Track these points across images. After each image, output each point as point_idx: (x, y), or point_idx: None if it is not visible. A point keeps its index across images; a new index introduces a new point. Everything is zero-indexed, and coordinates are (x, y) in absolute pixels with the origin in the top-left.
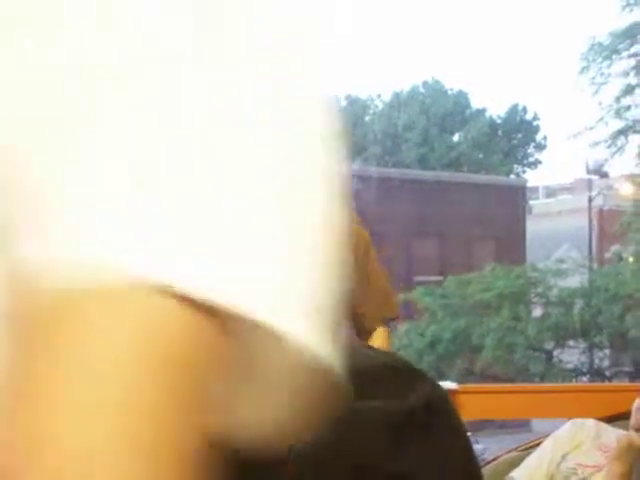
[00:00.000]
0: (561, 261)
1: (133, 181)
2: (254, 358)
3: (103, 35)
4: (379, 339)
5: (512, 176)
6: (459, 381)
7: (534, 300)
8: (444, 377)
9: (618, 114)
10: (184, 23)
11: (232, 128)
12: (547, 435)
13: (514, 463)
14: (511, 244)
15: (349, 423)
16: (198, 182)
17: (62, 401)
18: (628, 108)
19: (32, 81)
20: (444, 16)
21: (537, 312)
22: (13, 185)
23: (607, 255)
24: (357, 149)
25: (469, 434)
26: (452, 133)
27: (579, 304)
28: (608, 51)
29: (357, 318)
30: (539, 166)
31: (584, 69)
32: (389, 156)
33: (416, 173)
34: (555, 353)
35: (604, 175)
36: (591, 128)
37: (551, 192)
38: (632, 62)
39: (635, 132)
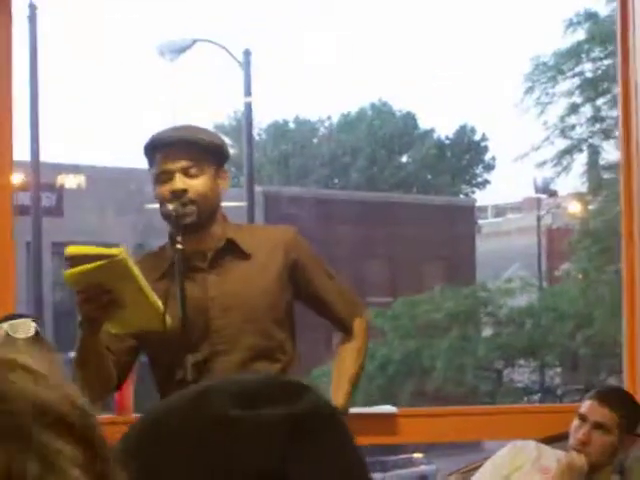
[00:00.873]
0: (510, 280)
1: None
2: None
3: None
4: (361, 329)
5: (461, 196)
6: (410, 403)
7: (484, 320)
8: (395, 399)
9: (563, 133)
10: None
11: None
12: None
13: None
14: (461, 264)
15: (232, 434)
16: None
17: None
18: (573, 127)
19: None
20: (391, 38)
21: (487, 332)
22: None
23: (557, 274)
24: (305, 172)
25: (420, 455)
26: (400, 154)
27: (529, 323)
28: (553, 71)
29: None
30: (488, 186)
31: (529, 89)
32: (337, 178)
33: (364, 195)
34: (505, 372)
35: (553, 194)
36: (537, 148)
37: (500, 211)
38: (576, 81)
39: (580, 151)
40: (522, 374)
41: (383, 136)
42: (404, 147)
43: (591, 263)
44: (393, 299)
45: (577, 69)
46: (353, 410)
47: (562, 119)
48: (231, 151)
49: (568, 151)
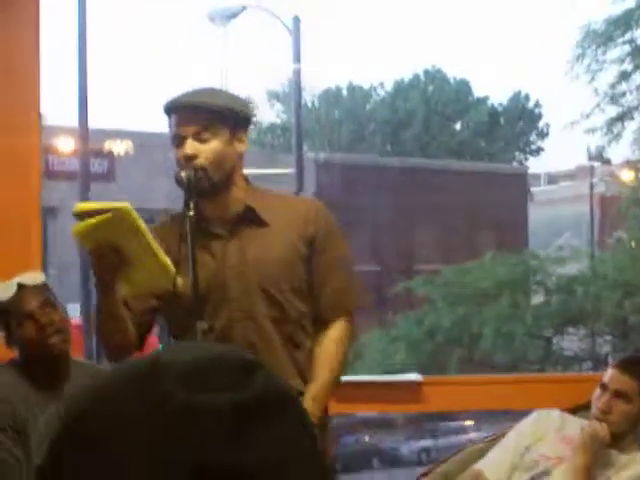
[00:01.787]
0: (561, 248)
1: None
2: None
3: None
4: (335, 331)
5: (514, 164)
6: (458, 370)
7: (534, 288)
8: (443, 366)
9: (613, 101)
10: None
11: None
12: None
13: (480, 454)
14: (513, 232)
15: (181, 418)
16: None
17: None
18: (623, 95)
19: None
20: (446, 4)
21: (537, 299)
22: None
23: (609, 241)
24: (359, 138)
25: (471, 422)
26: (454, 121)
27: (579, 291)
28: (603, 38)
29: (315, 306)
30: (541, 153)
31: (579, 56)
32: (390, 145)
33: (418, 162)
34: (555, 340)
35: (606, 161)
36: (588, 115)
37: (553, 179)
38: (627, 48)
39: (631, 119)
40: (572, 342)
41: (437, 103)
42: (458, 114)
43: None
44: (444, 266)
45: (627, 36)
46: (379, 378)
47: (612, 86)
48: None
49: (619, 119)
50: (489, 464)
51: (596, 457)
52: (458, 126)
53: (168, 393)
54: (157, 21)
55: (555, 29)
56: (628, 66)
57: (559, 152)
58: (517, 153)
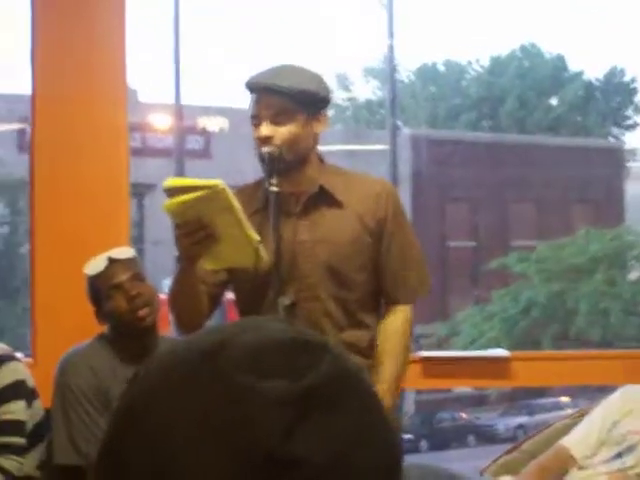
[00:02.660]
0: None
1: None
2: None
3: None
4: (398, 321)
5: (610, 139)
6: (553, 346)
7: (630, 263)
8: (538, 342)
9: None
10: None
11: None
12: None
13: (566, 430)
14: (609, 207)
15: (238, 405)
16: None
17: None
18: None
19: None
20: None
21: (633, 275)
22: None
23: None
24: (455, 114)
25: (567, 398)
26: (550, 96)
27: None
28: None
29: (382, 289)
30: (638, 128)
31: None
32: (486, 121)
33: (513, 137)
34: None
35: None
36: None
37: None
38: None
39: None
40: None
41: (533, 78)
42: (554, 89)
43: None
44: (540, 242)
45: None
46: (466, 354)
47: None
48: (379, 94)
49: None
50: (575, 440)
51: None
52: (554, 101)
53: (230, 378)
54: None
55: None
56: None
57: None
58: (613, 128)
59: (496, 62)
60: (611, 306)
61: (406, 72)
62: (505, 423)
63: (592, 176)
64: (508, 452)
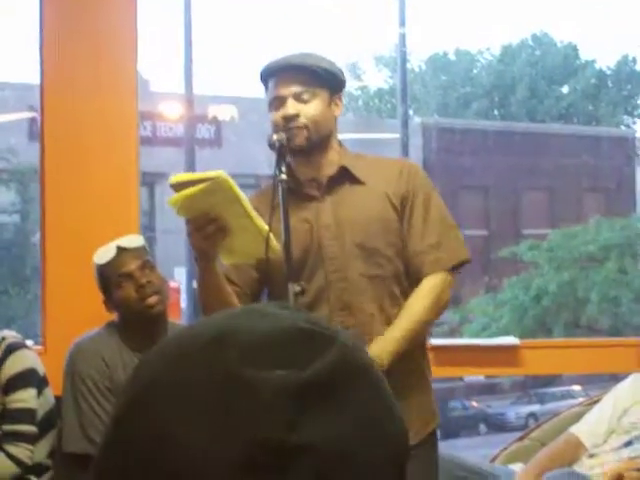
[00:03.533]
0: None
1: None
2: None
3: None
4: (428, 283)
5: (622, 127)
6: (564, 334)
7: None
8: (549, 331)
9: None
10: None
11: None
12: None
13: (576, 418)
14: (620, 196)
15: (241, 396)
16: None
17: None
18: None
19: None
20: None
21: None
22: None
23: None
24: (465, 102)
25: (578, 387)
26: (561, 85)
27: None
28: None
29: (412, 263)
30: None
31: None
32: (497, 109)
33: (524, 126)
34: None
35: None
36: None
37: None
38: None
39: None
40: None
41: (544, 67)
42: (565, 78)
43: None
44: (552, 230)
45: None
46: (477, 342)
47: None
48: (390, 83)
49: None
50: (585, 428)
51: None
52: (565, 90)
53: (234, 369)
54: None
55: None
56: None
57: None
58: (624, 117)
59: (507, 51)
60: (622, 294)
61: (417, 61)
62: (516, 411)
63: (603, 165)
64: (518, 440)
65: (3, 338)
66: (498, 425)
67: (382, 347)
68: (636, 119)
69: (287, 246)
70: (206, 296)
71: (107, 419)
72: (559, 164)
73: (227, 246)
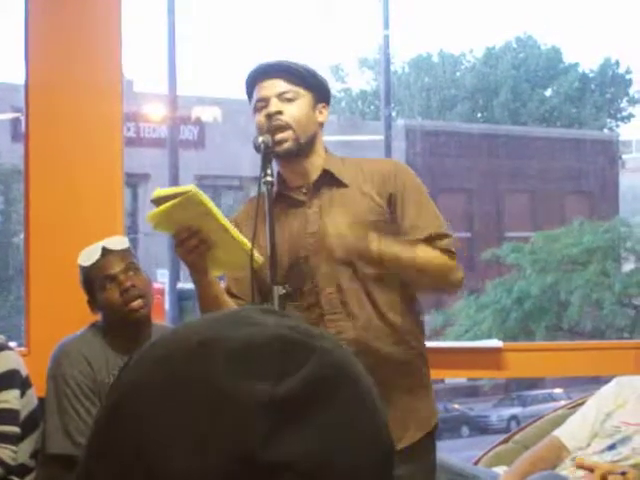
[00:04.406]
0: None
1: None
2: None
3: None
4: (440, 253)
5: (605, 130)
6: (546, 337)
7: (624, 255)
8: (531, 334)
9: None
10: None
11: None
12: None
13: (559, 421)
14: (603, 199)
15: (219, 410)
16: None
17: None
18: None
19: None
20: None
21: (627, 267)
22: None
23: None
24: (449, 105)
25: (560, 390)
26: (544, 88)
27: None
28: None
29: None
30: (632, 120)
31: None
32: (480, 112)
33: (508, 128)
34: None
35: None
36: None
37: None
38: None
39: None
40: None
41: (527, 70)
42: (548, 81)
43: None
44: (534, 233)
45: None
46: (460, 344)
47: None
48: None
49: None
50: (568, 431)
51: None
52: (548, 93)
53: (213, 380)
54: None
55: None
56: None
57: None
58: (608, 120)
59: (491, 53)
60: (604, 297)
61: (400, 63)
62: (498, 414)
63: (587, 168)
64: (502, 443)
65: None
66: (480, 427)
67: (380, 238)
68: (619, 122)
69: (272, 248)
70: (206, 310)
71: (90, 421)
72: (542, 167)
73: (213, 258)
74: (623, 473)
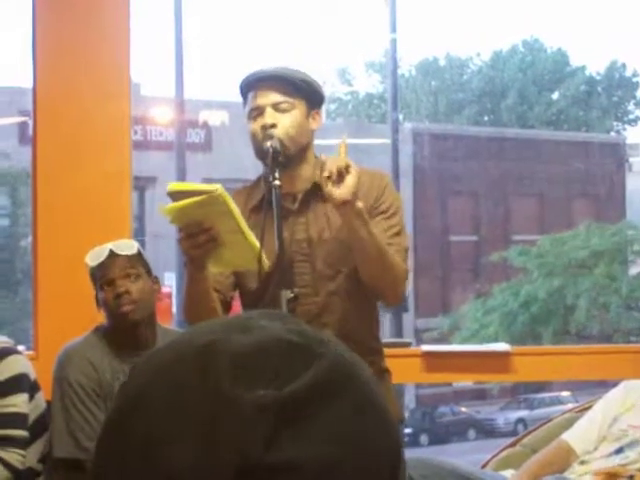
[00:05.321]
0: None
1: None
2: None
3: None
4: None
5: (612, 133)
6: (553, 341)
7: (631, 258)
8: (539, 337)
9: None
10: None
11: None
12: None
13: (567, 425)
14: (610, 202)
15: (228, 412)
16: None
17: None
18: None
19: None
20: None
21: (634, 270)
22: None
23: None
24: (455, 108)
25: (567, 393)
26: (551, 91)
27: None
28: None
29: None
30: (639, 123)
31: None
32: (487, 115)
33: (515, 132)
34: None
35: None
36: None
37: None
38: None
39: None
40: None
41: (534, 73)
42: (555, 84)
43: None
44: (542, 236)
45: None
46: (468, 348)
47: None
48: (380, 88)
49: None
50: (575, 435)
51: None
52: (555, 96)
53: (216, 386)
54: None
55: None
56: None
57: None
58: (615, 123)
59: (498, 56)
60: (610, 300)
61: (407, 66)
62: (505, 417)
63: (594, 171)
64: (509, 446)
65: None
66: (487, 431)
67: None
68: (626, 125)
69: (281, 253)
70: (191, 302)
71: (96, 424)
72: (549, 170)
73: (216, 255)
74: (631, 477)
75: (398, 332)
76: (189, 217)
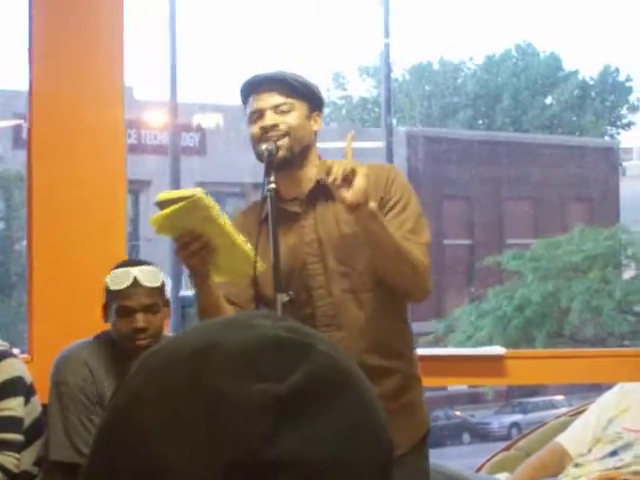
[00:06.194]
0: None
1: None
2: None
3: None
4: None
5: (606, 137)
6: (547, 344)
7: (624, 262)
8: (532, 340)
9: None
10: None
11: None
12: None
13: (561, 429)
14: (604, 206)
15: (223, 410)
16: None
17: None
18: None
19: None
20: None
21: (627, 274)
22: None
23: None
24: (449, 112)
25: (561, 397)
26: (545, 95)
27: None
28: None
29: None
30: (633, 127)
31: None
32: (481, 119)
33: (508, 136)
34: None
35: None
36: None
37: None
38: None
39: None
40: None
41: (528, 77)
42: (548, 88)
43: None
44: (536, 240)
45: None
46: (462, 351)
47: None
48: (374, 92)
49: None
50: (570, 437)
51: None
52: (549, 100)
53: (212, 381)
54: None
55: None
56: None
57: None
58: (608, 127)
59: (491, 61)
60: (604, 304)
61: (401, 70)
62: (499, 421)
63: (587, 175)
64: (504, 450)
65: None
66: (481, 434)
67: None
68: (620, 130)
69: (276, 256)
70: (203, 315)
71: (93, 428)
72: (543, 174)
73: (215, 264)
74: None
75: None
76: (179, 227)
